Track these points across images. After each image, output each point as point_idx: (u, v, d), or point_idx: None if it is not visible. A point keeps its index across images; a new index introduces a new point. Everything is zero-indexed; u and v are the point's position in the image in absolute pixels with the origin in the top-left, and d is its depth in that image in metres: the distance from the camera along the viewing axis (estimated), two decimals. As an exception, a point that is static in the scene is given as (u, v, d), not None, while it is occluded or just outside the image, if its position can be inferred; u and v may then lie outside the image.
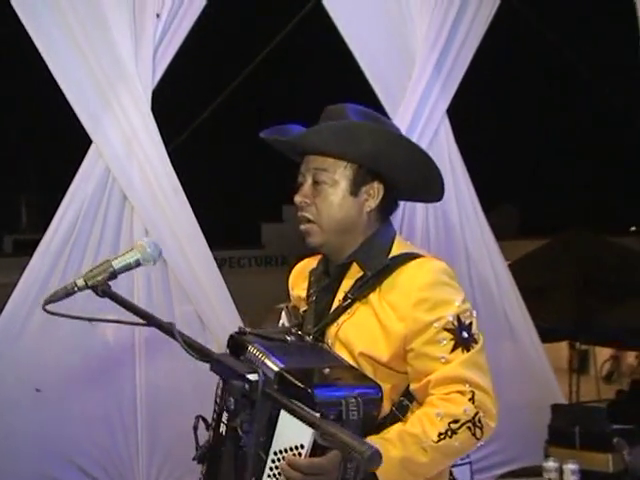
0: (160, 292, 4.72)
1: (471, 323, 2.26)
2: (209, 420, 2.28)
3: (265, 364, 2.08)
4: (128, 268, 2.13)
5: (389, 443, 2.12)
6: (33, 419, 4.54)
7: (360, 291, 2.32)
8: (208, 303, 4.78)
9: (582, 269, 10.89)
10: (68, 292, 2.08)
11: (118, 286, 4.71)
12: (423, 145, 5.17)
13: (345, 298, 2.34)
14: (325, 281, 2.46)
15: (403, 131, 5.12)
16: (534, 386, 5.17)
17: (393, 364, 2.27)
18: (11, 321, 4.60)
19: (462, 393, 2.20)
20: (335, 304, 2.36)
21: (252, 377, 1.58)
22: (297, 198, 2.38)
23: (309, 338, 2.36)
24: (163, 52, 4.82)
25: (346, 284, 2.37)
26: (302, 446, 1.98)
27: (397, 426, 2.18)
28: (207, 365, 4.78)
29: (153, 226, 4.74)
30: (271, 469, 2.04)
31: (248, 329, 2.34)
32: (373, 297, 2.31)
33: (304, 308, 2.50)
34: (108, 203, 4.72)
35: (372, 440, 2.04)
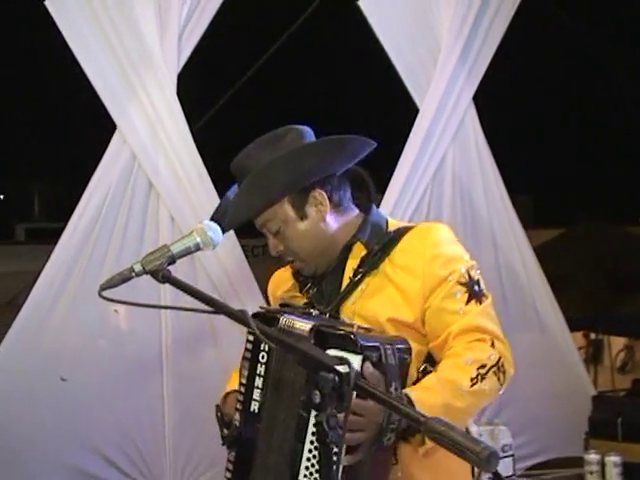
0: (186, 280, 4.62)
1: (479, 280, 2.40)
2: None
3: (295, 327, 2.15)
4: (188, 252, 2.07)
5: (430, 390, 2.20)
6: (58, 408, 4.48)
7: (370, 264, 2.40)
8: (235, 292, 4.71)
9: (597, 259, 10.83)
10: (125, 278, 2.03)
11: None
12: (450, 134, 5.12)
13: (356, 273, 2.41)
14: (325, 271, 2.50)
15: (429, 119, 5.10)
16: (564, 376, 5.10)
17: (417, 325, 2.36)
18: (35, 310, 4.54)
19: (483, 341, 2.32)
20: (346, 282, 2.43)
21: (342, 369, 1.52)
22: (272, 252, 2.49)
23: (326, 317, 2.40)
24: (188, 35, 4.73)
25: (352, 263, 2.44)
26: None
27: (432, 374, 2.28)
28: (235, 355, 4.73)
29: (179, 213, 4.67)
30: (315, 425, 1.98)
31: (273, 307, 2.46)
32: (385, 266, 2.40)
33: (304, 301, 2.53)
34: (133, 190, 4.65)
35: (412, 390, 2.17)
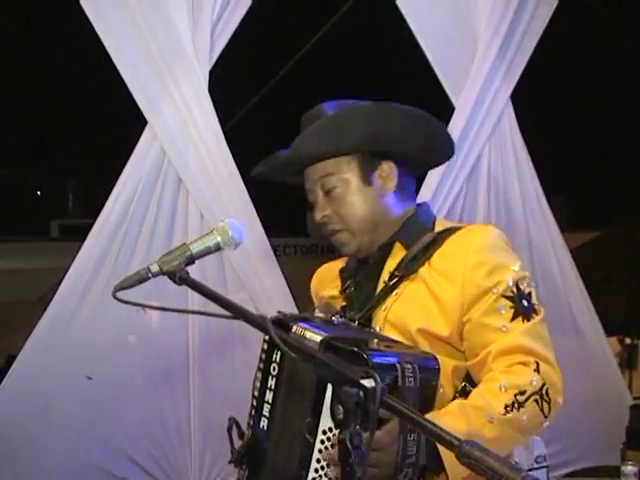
0: (215, 278, 4.58)
1: (531, 292, 2.14)
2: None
3: (306, 338, 1.96)
4: (207, 252, 1.92)
5: (449, 415, 1.97)
6: (84, 408, 4.43)
7: (408, 267, 2.20)
8: (264, 290, 4.63)
9: (633, 262, 10.67)
10: (141, 278, 1.89)
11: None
12: (486, 132, 5.01)
13: (391, 277, 2.21)
14: (364, 269, 2.33)
15: (465, 117, 5.00)
16: (600, 382, 4.98)
17: (453, 340, 2.13)
18: (63, 307, 4.49)
19: (526, 364, 2.06)
20: (380, 286, 2.24)
21: (367, 383, 1.39)
22: (317, 216, 2.27)
23: (354, 324, 2.22)
24: (221, 31, 4.67)
25: (390, 265, 2.25)
26: None
27: (457, 400, 2.05)
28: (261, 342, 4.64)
29: (209, 210, 4.60)
30: (320, 451, 1.89)
31: (289, 313, 2.21)
32: (423, 271, 2.19)
33: (342, 304, 2.37)
34: (163, 186, 4.60)
35: (429, 416, 1.86)
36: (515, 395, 2.02)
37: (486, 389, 2.04)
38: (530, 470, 3.54)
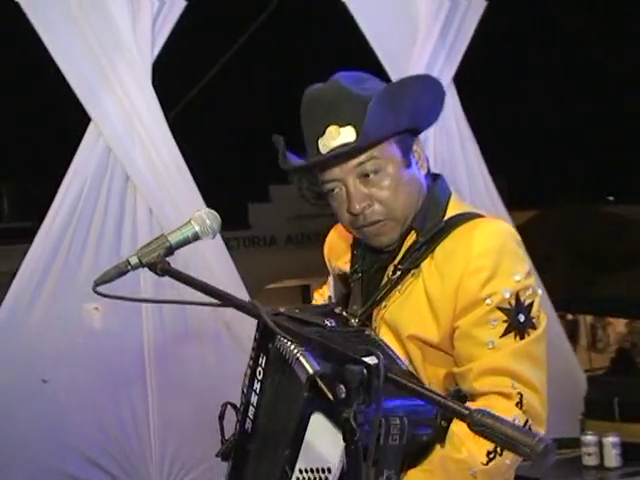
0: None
1: (532, 303, 1.95)
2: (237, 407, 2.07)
3: (301, 364, 1.80)
4: (186, 242, 1.89)
5: (431, 475, 1.85)
6: (40, 410, 4.37)
7: (410, 261, 2.02)
8: (217, 285, 4.59)
9: (571, 240, 10.86)
10: (120, 271, 1.85)
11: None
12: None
13: (394, 271, 2.04)
14: (375, 255, 2.14)
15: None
16: (554, 357, 5.04)
17: (445, 345, 1.98)
18: (13, 310, 4.41)
19: (507, 397, 1.90)
20: (385, 280, 2.06)
21: (370, 361, 1.38)
22: (356, 207, 2.01)
23: (354, 321, 2.06)
24: (162, 24, 4.62)
25: (400, 255, 2.06)
26: (329, 470, 1.71)
27: (438, 452, 1.86)
28: (220, 355, 4.62)
29: (157, 206, 4.56)
30: None
31: (282, 309, 1.95)
32: (425, 267, 2.01)
33: (350, 284, 2.18)
34: (110, 183, 4.53)
35: (411, 474, 1.81)
36: None
37: (466, 435, 1.83)
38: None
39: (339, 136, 1.99)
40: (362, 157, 2.00)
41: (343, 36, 5.32)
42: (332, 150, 1.99)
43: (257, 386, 1.99)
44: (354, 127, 1.97)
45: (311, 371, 1.74)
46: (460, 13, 5.19)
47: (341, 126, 1.99)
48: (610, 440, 3.92)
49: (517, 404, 1.90)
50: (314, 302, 2.39)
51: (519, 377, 1.91)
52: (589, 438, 3.98)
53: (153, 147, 4.57)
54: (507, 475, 1.97)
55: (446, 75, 5.14)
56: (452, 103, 5.17)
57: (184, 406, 4.60)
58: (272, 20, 5.97)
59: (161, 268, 1.81)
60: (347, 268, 2.22)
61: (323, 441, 1.73)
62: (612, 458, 3.92)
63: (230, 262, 4.70)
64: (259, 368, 1.99)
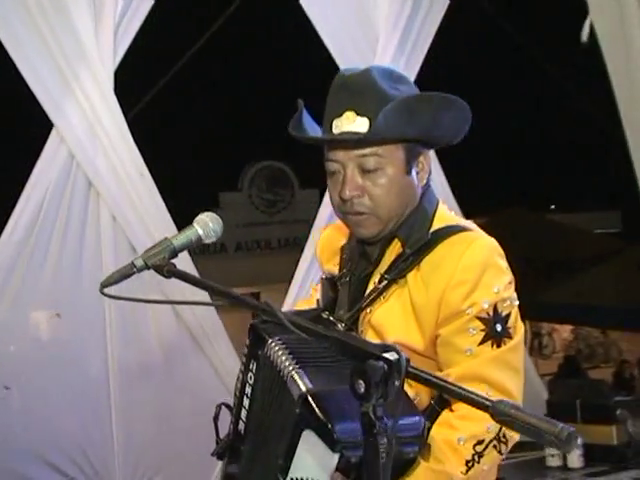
0: (130, 280, 4.52)
1: (509, 314, 2.02)
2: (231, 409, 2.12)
3: (294, 380, 1.85)
4: (189, 245, 1.93)
5: None
6: (3, 417, 4.34)
7: (397, 271, 2.09)
8: (180, 291, 4.61)
9: (519, 246, 11.02)
10: (125, 274, 1.88)
11: (80, 274, 4.56)
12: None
13: (381, 280, 2.10)
14: (361, 260, 2.21)
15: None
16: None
17: (429, 352, 2.05)
18: (-26, 317, 4.39)
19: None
20: (370, 286, 2.13)
21: (390, 356, 1.43)
22: (346, 193, 2.08)
23: (341, 326, 2.12)
24: (124, 32, 4.63)
25: (385, 263, 2.13)
26: None
27: (421, 466, 1.91)
28: (180, 356, 4.63)
29: (120, 212, 4.57)
30: None
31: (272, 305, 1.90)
32: (411, 277, 2.08)
33: (337, 288, 2.24)
34: (72, 190, 4.53)
35: None
36: (474, 446, 1.95)
37: (444, 443, 1.96)
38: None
39: (353, 123, 2.05)
40: (367, 150, 2.06)
41: (306, 40, 5.36)
42: (342, 133, 2.06)
43: (248, 390, 2.04)
44: (369, 120, 2.03)
45: (304, 389, 1.81)
46: (418, 24, 5.26)
47: (358, 114, 2.04)
48: (573, 441, 4.01)
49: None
50: (310, 296, 2.43)
51: (495, 384, 1.98)
52: (553, 439, 4.07)
53: (115, 154, 4.58)
54: (488, 479, 2.04)
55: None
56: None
57: (146, 411, 4.60)
58: (231, 22, 5.99)
59: (167, 270, 1.83)
60: (336, 271, 2.28)
61: (314, 454, 1.79)
62: (575, 459, 4.01)
63: (192, 266, 4.70)
64: (250, 373, 2.04)
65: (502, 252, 2.11)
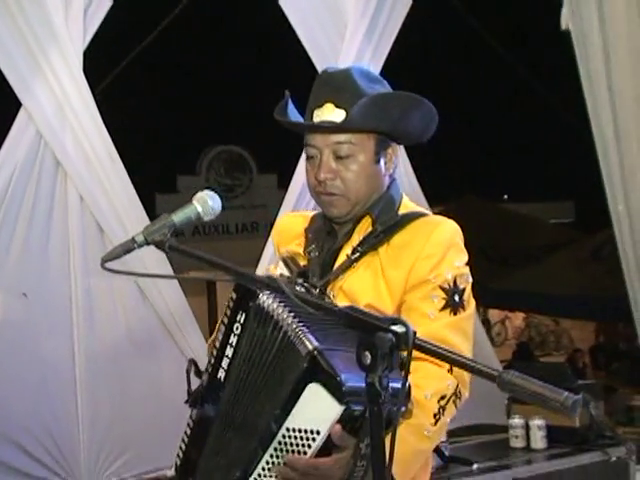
0: (97, 261, 4.51)
1: (464, 289, 2.27)
2: (204, 365, 2.19)
3: (298, 335, 1.94)
4: (188, 222, 1.98)
5: (401, 441, 1.94)
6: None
7: (368, 245, 2.32)
8: (146, 272, 4.62)
9: (472, 235, 11.14)
10: (127, 249, 1.93)
11: (47, 254, 4.53)
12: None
13: (354, 251, 2.32)
14: (329, 237, 2.42)
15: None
16: (473, 349, 5.22)
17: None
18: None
19: (439, 365, 2.15)
20: (342, 257, 2.35)
21: (398, 329, 1.49)
22: (321, 175, 2.32)
23: (315, 291, 2.27)
24: (94, 10, 4.63)
25: (355, 238, 2.36)
26: (318, 432, 1.91)
27: (403, 423, 2.07)
28: (147, 337, 4.63)
29: (88, 193, 4.57)
30: (280, 443, 1.97)
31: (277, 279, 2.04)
32: (382, 250, 2.32)
33: (303, 263, 2.43)
34: (40, 170, 4.53)
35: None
36: (438, 401, 2.15)
37: (415, 401, 2.10)
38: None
39: (332, 113, 2.30)
40: (342, 138, 2.31)
41: (273, 24, 5.38)
42: (322, 122, 2.30)
43: (233, 340, 2.11)
44: (346, 111, 2.28)
45: (310, 346, 1.91)
46: (386, 12, 5.30)
47: (337, 106, 2.30)
48: (536, 423, 4.09)
49: (448, 370, 2.18)
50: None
51: (451, 345, 2.13)
52: (516, 421, 4.15)
53: (84, 134, 4.58)
54: (444, 430, 2.27)
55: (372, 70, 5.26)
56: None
57: (112, 391, 4.62)
58: (198, 4, 5.99)
59: (169, 246, 1.87)
60: (300, 249, 2.47)
61: (317, 407, 1.89)
62: (538, 440, 4.10)
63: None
64: (236, 324, 2.11)
65: (461, 234, 2.36)
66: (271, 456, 2.00)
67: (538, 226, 12.52)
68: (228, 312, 2.15)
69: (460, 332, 2.24)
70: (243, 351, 2.11)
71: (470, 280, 2.30)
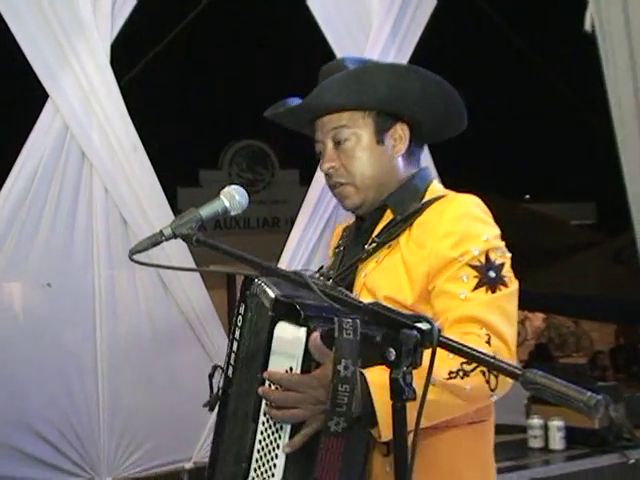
0: (120, 253, 4.57)
1: (503, 264, 2.13)
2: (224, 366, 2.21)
3: (264, 294, 2.01)
4: (215, 216, 2.04)
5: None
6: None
7: (387, 235, 2.24)
8: (170, 264, 4.65)
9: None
10: (154, 242, 1.97)
11: (72, 245, 4.57)
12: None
13: (371, 242, 2.26)
14: (357, 233, 2.40)
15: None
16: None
17: (418, 307, 2.13)
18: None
19: (479, 336, 2.02)
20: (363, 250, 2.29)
21: (423, 326, 1.51)
22: (324, 166, 2.31)
23: (327, 282, 2.25)
24: (122, 2, 4.64)
25: (377, 229, 2.30)
26: (290, 369, 1.94)
27: None
28: (169, 328, 4.65)
29: (113, 185, 4.58)
30: (267, 404, 1.98)
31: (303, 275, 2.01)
32: (403, 240, 2.22)
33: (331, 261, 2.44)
34: (66, 161, 4.52)
35: (370, 371, 1.92)
36: (462, 363, 1.97)
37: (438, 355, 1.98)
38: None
39: None
40: (336, 123, 2.27)
41: (298, 23, 5.39)
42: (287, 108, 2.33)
43: (237, 333, 2.16)
44: None
45: (273, 295, 1.96)
46: (411, 9, 5.31)
47: None
48: (555, 424, 4.11)
49: (486, 342, 2.03)
50: None
51: (489, 326, 2.04)
52: (535, 421, 4.17)
53: (110, 126, 4.59)
54: (466, 404, 2.05)
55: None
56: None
57: (133, 383, 4.64)
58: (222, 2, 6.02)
59: (197, 239, 1.90)
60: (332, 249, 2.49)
61: (285, 346, 1.94)
62: (556, 441, 4.12)
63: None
64: (239, 316, 2.16)
65: (485, 207, 2.25)
66: (263, 423, 1.99)
67: (560, 227, 12.50)
68: (236, 308, 2.18)
69: (500, 311, 2.07)
70: (244, 343, 2.14)
71: (508, 255, 2.17)
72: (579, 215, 15.73)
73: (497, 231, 2.21)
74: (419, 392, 1.82)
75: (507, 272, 2.14)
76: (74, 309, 4.57)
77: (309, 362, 1.91)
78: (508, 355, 2.04)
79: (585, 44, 4.98)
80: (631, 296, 7.48)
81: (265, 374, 1.94)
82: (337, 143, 2.28)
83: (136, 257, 1.97)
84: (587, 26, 4.80)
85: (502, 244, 2.19)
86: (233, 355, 2.16)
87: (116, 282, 4.61)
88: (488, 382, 2.00)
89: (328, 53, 5.13)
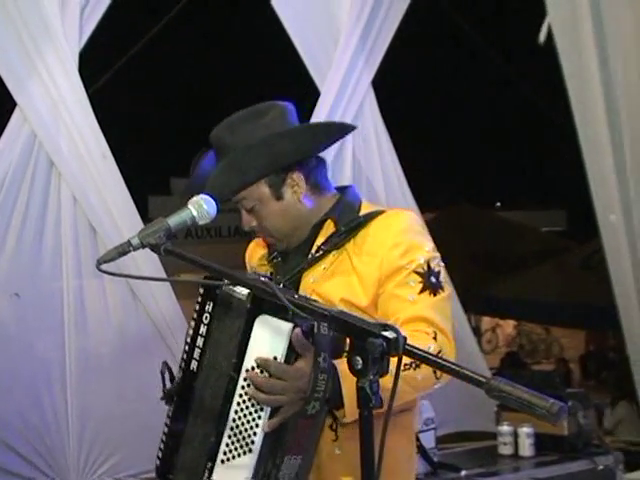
0: (90, 262, 4.54)
1: (439, 272, 2.38)
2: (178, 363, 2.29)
3: (235, 292, 2.11)
4: (183, 226, 2.05)
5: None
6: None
7: (333, 243, 2.43)
8: (140, 274, 4.63)
9: (467, 241, 11.20)
10: (122, 252, 2.00)
11: (40, 255, 4.54)
12: (349, 117, 5.15)
13: (318, 250, 2.45)
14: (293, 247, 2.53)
15: (330, 102, 5.14)
16: (463, 357, 5.22)
17: (370, 310, 2.36)
18: None
19: (427, 333, 2.28)
20: (309, 257, 2.46)
21: (389, 335, 1.53)
22: (244, 227, 2.50)
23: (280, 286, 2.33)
24: (90, 11, 4.63)
25: (319, 241, 2.47)
26: (275, 358, 2.05)
27: None
28: (136, 338, 4.64)
29: (82, 193, 4.57)
30: (243, 387, 2.10)
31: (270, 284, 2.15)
32: (349, 247, 2.43)
33: (269, 270, 2.57)
34: (34, 170, 4.51)
35: (341, 362, 2.04)
36: None
37: None
38: (420, 432, 3.76)
39: None
40: (238, 198, 2.45)
41: (271, 31, 5.40)
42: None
43: (203, 330, 2.24)
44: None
45: (246, 291, 2.06)
46: (380, 18, 5.32)
47: None
48: (525, 430, 4.13)
49: (433, 338, 2.28)
50: None
51: (434, 324, 2.31)
52: (505, 428, 4.18)
53: (78, 134, 4.58)
54: (414, 391, 2.31)
55: (365, 78, 5.30)
56: (370, 105, 5.32)
57: (103, 392, 4.61)
58: (196, 8, 6.01)
59: (165, 249, 1.90)
60: (264, 260, 2.63)
61: (268, 338, 2.06)
62: (526, 447, 4.14)
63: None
64: (205, 314, 2.23)
65: (422, 222, 2.55)
66: (238, 404, 2.11)
67: (530, 234, 12.59)
68: (197, 307, 2.25)
69: (441, 312, 2.34)
70: (213, 337, 2.22)
71: (442, 264, 2.42)
72: (550, 222, 15.86)
73: (432, 243, 2.44)
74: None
75: (443, 278, 2.40)
76: (43, 319, 4.55)
77: (291, 354, 2.05)
78: (450, 347, 2.31)
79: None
80: (600, 302, 7.53)
81: (257, 359, 2.06)
82: (247, 210, 2.46)
83: (105, 267, 1.96)
84: (542, 38, 4.82)
85: (438, 255, 2.42)
86: (198, 350, 2.23)
87: (85, 291, 4.59)
88: (435, 372, 2.25)
89: (297, 60, 5.15)
